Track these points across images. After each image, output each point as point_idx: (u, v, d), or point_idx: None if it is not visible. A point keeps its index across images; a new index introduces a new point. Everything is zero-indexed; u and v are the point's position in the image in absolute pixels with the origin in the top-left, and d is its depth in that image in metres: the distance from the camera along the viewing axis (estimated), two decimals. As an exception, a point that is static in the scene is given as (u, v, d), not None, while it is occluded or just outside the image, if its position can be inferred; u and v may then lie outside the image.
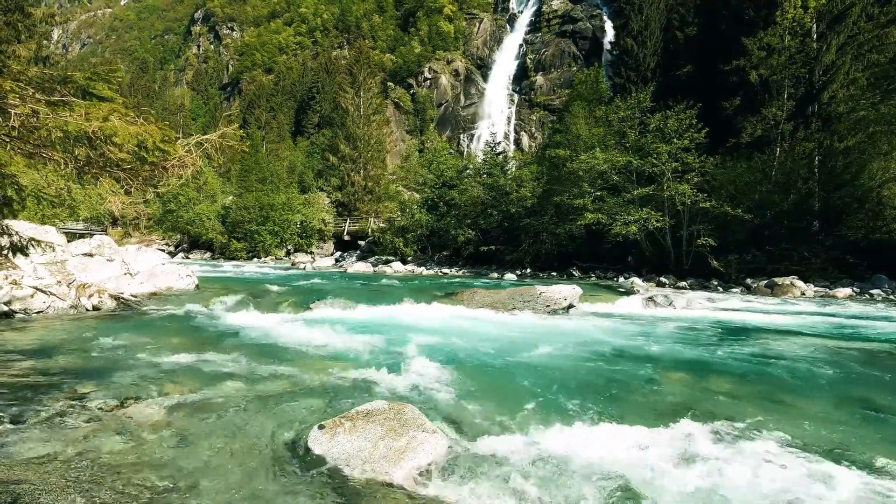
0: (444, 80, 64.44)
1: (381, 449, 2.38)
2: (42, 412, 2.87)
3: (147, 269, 9.26)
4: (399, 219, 25.72)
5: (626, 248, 16.77)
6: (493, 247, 20.36)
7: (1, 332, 5.35)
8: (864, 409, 3.40)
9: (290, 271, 19.30)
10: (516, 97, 61.57)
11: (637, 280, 13.99)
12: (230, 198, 33.34)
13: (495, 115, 60.20)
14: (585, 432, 2.76)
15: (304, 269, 21.44)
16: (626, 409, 3.26)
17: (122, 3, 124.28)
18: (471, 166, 26.53)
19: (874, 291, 11.49)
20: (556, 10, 62.34)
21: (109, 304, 7.26)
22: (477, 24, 69.16)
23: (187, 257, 30.19)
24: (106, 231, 32.27)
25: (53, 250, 7.57)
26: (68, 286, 7.19)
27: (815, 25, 16.09)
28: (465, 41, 68.05)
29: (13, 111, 2.65)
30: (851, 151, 14.27)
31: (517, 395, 3.56)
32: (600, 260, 17.60)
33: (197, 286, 9.53)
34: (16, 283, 6.52)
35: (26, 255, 4.13)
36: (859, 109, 14.27)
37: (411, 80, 65.54)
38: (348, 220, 32.74)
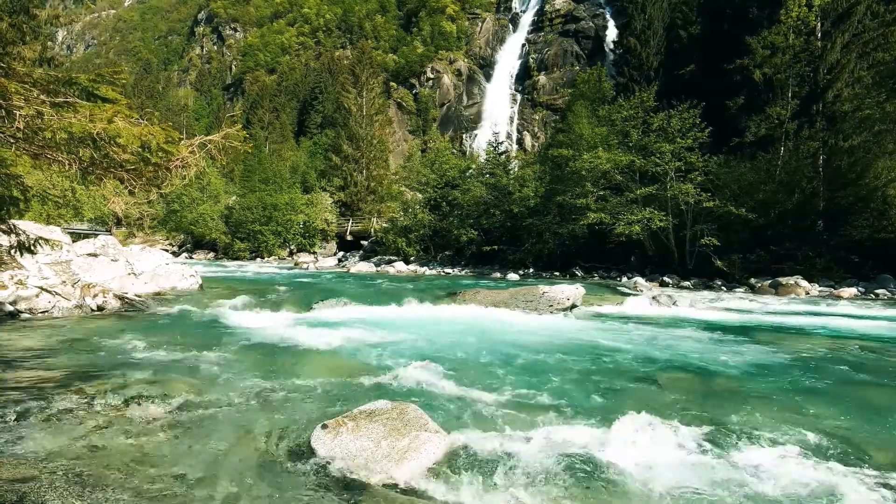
0: (447, 79, 64.43)
1: (384, 448, 2.38)
2: (47, 411, 2.89)
3: (151, 269, 9.29)
4: (402, 219, 25.74)
5: (629, 248, 16.73)
6: (495, 247, 20.35)
7: (6, 331, 5.39)
8: (868, 410, 3.38)
9: (293, 271, 19.35)
10: (519, 97, 61.53)
11: (640, 280, 13.95)
12: (233, 198, 33.44)
13: (498, 114, 60.14)
14: (588, 432, 2.76)
15: (307, 269, 21.48)
16: (629, 409, 3.25)
17: (125, 4, 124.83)
18: (473, 166, 26.53)
19: (879, 291, 11.42)
20: (558, 10, 62.25)
21: (114, 303, 7.29)
22: (479, 24, 69.13)
23: (191, 257, 30.30)
24: (110, 231, 32.41)
25: (61, 248, 7.63)
26: (73, 286, 7.23)
27: (819, 24, 16.00)
28: (467, 41, 68.03)
29: (18, 112, 2.67)
30: (856, 150, 14.19)
31: (520, 394, 3.56)
32: (603, 260, 17.56)
33: (200, 286, 9.56)
34: (21, 283, 6.56)
35: (33, 253, 4.15)
36: (864, 108, 14.18)
37: (414, 80, 65.57)
38: (351, 220, 32.78)
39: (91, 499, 1.91)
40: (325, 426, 2.57)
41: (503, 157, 26.03)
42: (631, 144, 16.30)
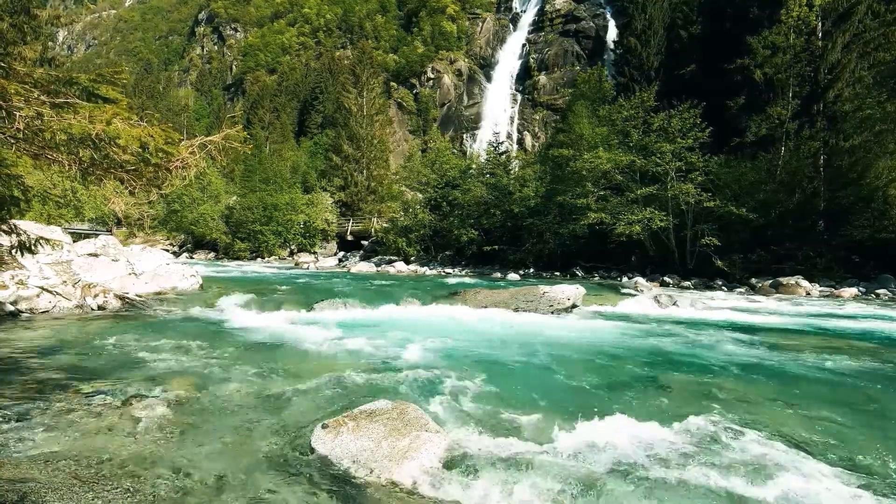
0: (447, 79, 64.43)
1: (385, 448, 2.38)
2: (48, 411, 2.89)
3: (151, 269, 9.30)
4: (402, 219, 25.75)
5: (629, 248, 16.73)
6: (496, 247, 20.35)
7: (7, 331, 5.39)
8: (869, 410, 3.37)
9: (294, 271, 19.36)
10: (519, 97, 61.53)
11: (641, 280, 13.95)
12: (234, 198, 33.46)
13: (498, 114, 60.14)
14: (588, 432, 2.76)
15: (308, 269, 21.50)
16: (629, 409, 3.25)
17: (126, 4, 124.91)
18: (474, 166, 26.54)
19: (880, 291, 11.41)
20: (559, 10, 62.25)
21: (114, 303, 7.30)
22: (480, 24, 69.12)
23: (191, 257, 30.32)
24: (111, 231, 32.44)
25: (62, 248, 7.64)
26: (73, 286, 7.24)
27: (820, 23, 15.98)
28: (467, 41, 68.03)
29: (18, 113, 2.67)
30: (857, 150, 14.18)
31: (520, 394, 3.56)
32: (604, 260, 17.56)
33: (201, 286, 9.57)
34: (22, 283, 6.57)
35: (34, 253, 4.16)
36: (865, 108, 14.17)
37: (414, 80, 65.57)
38: (351, 220, 32.79)
39: (91, 499, 1.91)
40: (325, 426, 2.57)
41: (503, 157, 26.03)
42: (631, 144, 16.29)
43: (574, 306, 8.18)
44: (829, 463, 2.46)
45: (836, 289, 11.91)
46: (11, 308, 6.26)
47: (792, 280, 12.16)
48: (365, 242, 29.37)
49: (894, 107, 13.60)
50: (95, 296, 7.23)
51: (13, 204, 3.81)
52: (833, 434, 2.89)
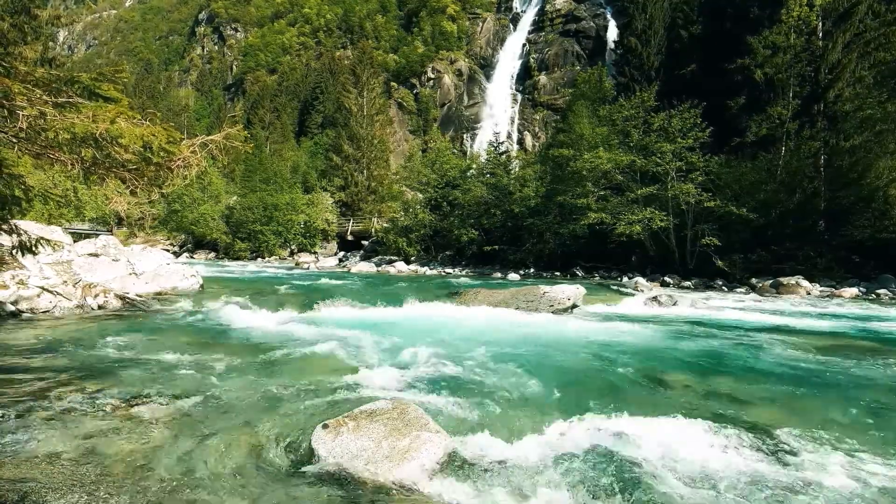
0: (447, 79, 64.45)
1: (385, 449, 2.38)
2: (49, 411, 2.89)
3: (152, 269, 9.30)
4: (402, 219, 25.77)
5: (629, 248, 16.73)
6: (496, 247, 20.35)
7: (7, 331, 5.39)
8: (868, 410, 3.37)
9: (294, 271, 19.36)
10: (519, 97, 61.56)
11: (641, 280, 13.94)
12: (234, 198, 33.47)
13: (498, 114, 60.16)
14: (588, 432, 2.76)
15: (308, 269, 21.50)
16: (629, 409, 3.24)
17: (126, 4, 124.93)
18: (474, 166, 26.56)
19: (881, 291, 11.41)
20: (559, 10, 62.28)
21: (115, 303, 7.30)
22: (480, 24, 69.15)
23: (192, 257, 30.32)
24: (111, 231, 32.42)
25: (63, 248, 7.65)
26: (74, 286, 7.25)
27: (820, 23, 15.99)
28: (468, 41, 68.07)
29: (21, 113, 2.67)
30: (857, 150, 14.17)
31: (520, 394, 3.56)
32: (604, 260, 17.56)
33: (201, 286, 9.57)
34: (22, 283, 6.57)
35: (35, 253, 4.17)
36: (865, 108, 14.17)
37: (414, 80, 65.60)
38: (352, 220, 32.81)
39: (92, 499, 1.91)
40: (325, 426, 2.57)
41: (504, 156, 26.06)
42: (632, 144, 16.29)
43: (574, 306, 8.18)
44: (826, 460, 2.46)
45: (836, 289, 11.91)
46: (12, 308, 6.26)
47: (792, 280, 12.16)
48: (365, 242, 29.37)
49: (895, 107, 13.61)
50: (96, 296, 7.24)
51: (14, 204, 3.81)
52: (833, 431, 2.89)
